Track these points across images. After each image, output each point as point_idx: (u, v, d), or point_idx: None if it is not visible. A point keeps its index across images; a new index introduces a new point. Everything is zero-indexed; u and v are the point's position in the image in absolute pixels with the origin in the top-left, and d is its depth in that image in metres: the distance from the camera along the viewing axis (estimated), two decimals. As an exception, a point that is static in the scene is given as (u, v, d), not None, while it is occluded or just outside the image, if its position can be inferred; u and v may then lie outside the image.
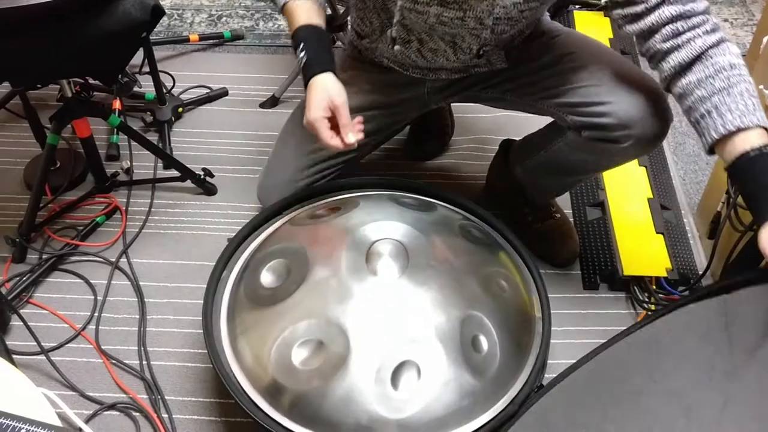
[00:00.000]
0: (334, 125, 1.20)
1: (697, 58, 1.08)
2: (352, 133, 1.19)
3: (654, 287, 1.49)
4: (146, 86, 1.95)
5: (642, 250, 1.55)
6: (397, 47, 1.33)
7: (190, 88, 2.03)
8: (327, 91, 1.19)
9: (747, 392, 0.94)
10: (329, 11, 1.98)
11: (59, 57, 1.32)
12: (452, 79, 1.41)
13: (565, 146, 1.37)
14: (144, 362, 1.40)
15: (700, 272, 1.48)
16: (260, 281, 1.25)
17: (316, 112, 1.18)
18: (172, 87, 2.01)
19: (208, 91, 2.03)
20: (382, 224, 1.25)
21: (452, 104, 1.85)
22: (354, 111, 1.23)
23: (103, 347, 1.42)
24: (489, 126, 1.92)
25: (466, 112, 1.92)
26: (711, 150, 1.07)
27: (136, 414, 1.32)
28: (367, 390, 1.09)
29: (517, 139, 1.60)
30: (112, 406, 1.33)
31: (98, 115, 1.63)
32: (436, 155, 1.86)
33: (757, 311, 1.00)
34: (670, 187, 1.75)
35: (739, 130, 1.02)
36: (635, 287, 1.51)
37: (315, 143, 1.29)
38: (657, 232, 1.58)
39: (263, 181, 1.48)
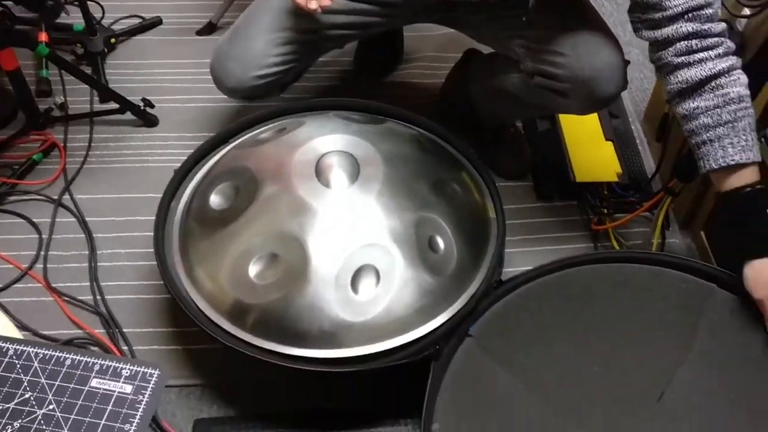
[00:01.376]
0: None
1: (706, 81, 1.09)
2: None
3: (606, 192, 1.52)
4: (74, 17, 1.85)
5: (592, 158, 1.57)
6: None
7: (121, 18, 1.94)
8: None
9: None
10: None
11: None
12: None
13: (518, 82, 1.37)
14: (98, 297, 1.37)
15: (650, 176, 1.52)
16: (209, 205, 1.23)
17: None
18: (102, 17, 1.91)
19: (141, 20, 1.93)
20: (330, 138, 1.24)
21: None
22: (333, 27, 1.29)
23: (53, 285, 1.38)
24: (439, 44, 1.89)
25: (416, 30, 1.88)
26: (705, 173, 1.12)
27: (94, 349, 1.29)
28: (328, 296, 1.09)
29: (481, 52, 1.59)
30: (68, 343, 1.29)
31: (24, 45, 1.53)
32: (386, 74, 1.82)
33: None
34: (619, 98, 1.76)
35: (737, 165, 1.07)
36: (587, 194, 1.53)
37: (287, 22, 1.28)
38: (606, 140, 1.60)
39: (226, 49, 1.35)
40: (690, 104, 1.10)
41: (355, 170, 1.19)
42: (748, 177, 1.08)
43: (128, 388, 0.65)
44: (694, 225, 1.47)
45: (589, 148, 1.59)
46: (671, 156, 1.42)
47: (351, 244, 1.13)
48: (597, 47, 1.23)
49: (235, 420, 1.19)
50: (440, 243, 1.18)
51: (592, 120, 1.64)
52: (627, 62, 1.25)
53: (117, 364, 0.68)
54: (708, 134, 1.09)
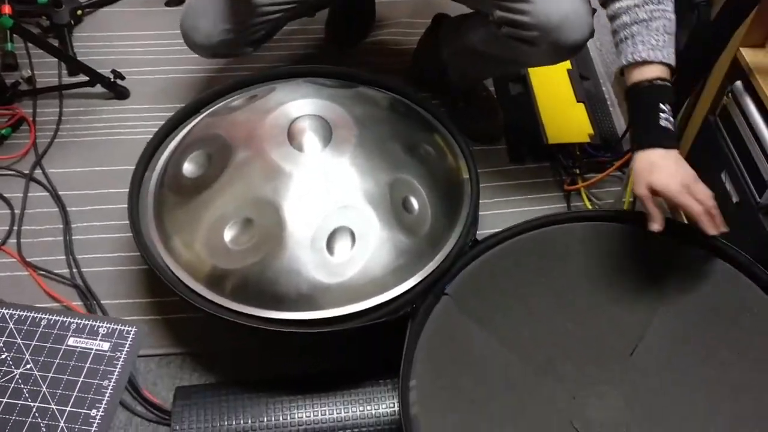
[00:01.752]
0: None
1: None
2: None
3: (578, 153, 1.53)
4: (39, -11, 1.82)
5: (565, 119, 1.58)
6: None
7: (86, -10, 1.91)
8: None
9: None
10: None
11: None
12: None
13: (486, 36, 1.37)
14: (74, 270, 1.36)
15: (620, 135, 1.54)
16: (183, 173, 1.23)
17: None
18: (67, -11, 1.88)
19: (106, -9, 1.91)
20: (301, 102, 1.24)
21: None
22: None
23: (27, 260, 1.37)
24: (411, 10, 1.89)
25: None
26: (622, 72, 1.13)
27: (71, 319, 1.29)
28: (305, 258, 1.10)
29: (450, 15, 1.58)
30: (45, 315, 1.29)
31: (-12, 19, 1.51)
32: (358, 41, 1.82)
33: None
34: (589, 58, 1.77)
35: (645, 62, 1.08)
36: (560, 155, 1.54)
37: None
38: (578, 101, 1.62)
39: (195, 4, 1.36)
40: (615, 5, 1.14)
41: (327, 133, 1.19)
42: (650, 73, 1.09)
43: (106, 346, 0.65)
44: (665, 183, 1.49)
45: (561, 110, 1.60)
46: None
47: (325, 206, 1.14)
48: None
49: (215, 386, 1.20)
50: (414, 204, 1.19)
51: (564, 82, 1.65)
52: (593, 10, 1.26)
53: (94, 323, 0.68)
54: (624, 32, 1.12)
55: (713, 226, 1.05)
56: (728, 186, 1.24)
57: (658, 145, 1.07)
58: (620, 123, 1.64)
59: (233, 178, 1.16)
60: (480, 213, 1.37)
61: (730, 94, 1.21)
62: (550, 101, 1.62)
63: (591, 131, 1.55)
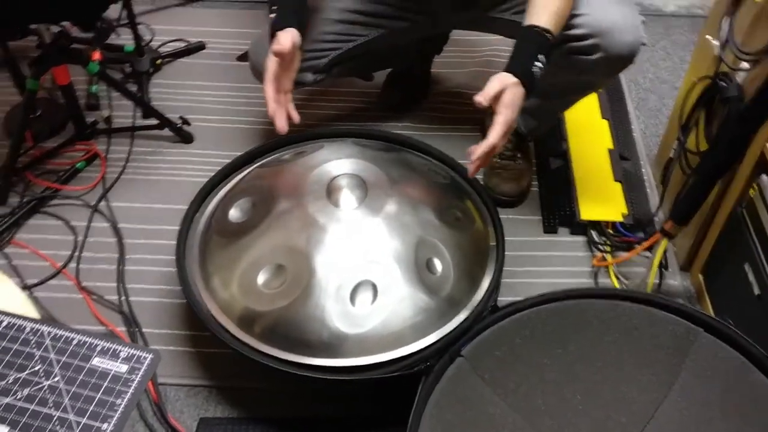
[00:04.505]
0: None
1: None
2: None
3: (611, 231, 1.57)
4: (125, 39, 1.99)
5: (600, 197, 1.63)
6: None
7: (168, 42, 2.07)
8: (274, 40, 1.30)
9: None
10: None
11: (40, 2, 1.36)
12: None
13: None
14: (123, 298, 1.47)
15: (653, 216, 1.57)
16: (228, 218, 1.32)
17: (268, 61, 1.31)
18: (151, 40, 2.05)
19: (186, 44, 2.07)
20: (343, 161, 1.33)
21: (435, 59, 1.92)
22: (362, 13, 1.48)
23: (83, 284, 1.49)
24: (466, 80, 1.98)
25: (442, 68, 1.98)
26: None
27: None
28: (328, 307, 1.17)
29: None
30: (91, 337, 1.39)
31: (77, 62, 1.67)
32: (412, 106, 1.91)
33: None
34: (631, 140, 1.82)
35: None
36: (593, 231, 1.58)
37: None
38: (615, 180, 1.66)
39: (263, 36, 1.47)
40: None
41: (363, 192, 1.28)
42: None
43: (124, 368, 0.73)
44: (694, 268, 1.51)
45: (598, 187, 1.65)
46: (670, 198, 1.47)
47: (353, 260, 1.21)
48: (609, 3, 1.35)
49: (237, 421, 1.27)
50: (438, 265, 1.25)
51: (604, 161, 1.70)
52: (642, 20, 1.36)
53: (117, 347, 0.76)
54: None
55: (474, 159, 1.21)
56: (750, 277, 1.26)
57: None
58: (655, 206, 1.66)
59: (272, 226, 1.26)
60: (507, 280, 1.42)
61: (756, 187, 1.24)
62: (587, 178, 1.67)
63: (625, 211, 1.59)
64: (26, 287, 1.42)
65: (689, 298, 1.48)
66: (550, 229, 1.62)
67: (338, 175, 1.30)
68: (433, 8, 1.54)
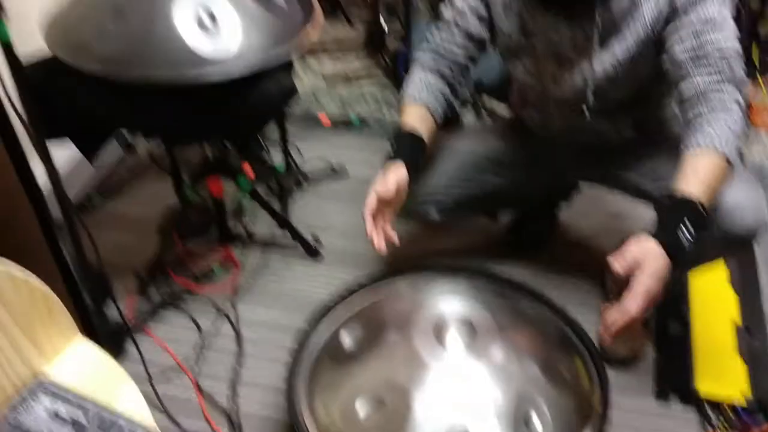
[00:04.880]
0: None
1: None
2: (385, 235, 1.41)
3: (728, 411, 1.48)
4: (277, 157, 2.18)
5: (721, 372, 1.55)
6: (530, 114, 1.53)
7: (314, 163, 2.24)
8: (383, 174, 1.41)
9: None
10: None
11: (207, 122, 1.54)
12: (585, 147, 1.54)
13: None
14: (233, 404, 1.55)
15: (779, 402, 1.47)
16: (339, 341, 1.39)
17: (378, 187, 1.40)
18: (299, 160, 2.23)
19: (331, 167, 2.23)
20: (455, 301, 1.38)
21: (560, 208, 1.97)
22: (502, 163, 1.59)
23: (199, 382, 1.58)
24: (593, 227, 2.00)
25: (569, 214, 2.01)
26: None
27: (213, 447, 1.46)
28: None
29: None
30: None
31: (230, 177, 1.85)
32: (537, 249, 1.94)
33: None
34: (760, 314, 1.74)
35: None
36: (708, 406, 1.50)
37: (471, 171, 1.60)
38: (739, 356, 1.58)
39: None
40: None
41: (471, 336, 1.31)
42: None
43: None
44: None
45: (719, 361, 1.57)
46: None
47: (451, 402, 1.23)
48: (735, 181, 1.31)
49: None
50: (536, 422, 1.23)
51: (728, 333, 1.63)
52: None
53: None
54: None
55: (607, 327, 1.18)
56: None
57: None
58: (783, 389, 1.57)
59: (378, 357, 1.31)
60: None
61: None
62: (708, 349, 1.60)
63: (747, 391, 1.50)
64: (149, 378, 1.53)
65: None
66: (661, 396, 1.55)
67: (448, 314, 1.34)
68: (559, 165, 1.60)
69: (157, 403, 1.52)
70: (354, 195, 2.13)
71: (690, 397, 1.53)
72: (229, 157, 2.05)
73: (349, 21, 3.00)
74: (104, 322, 1.58)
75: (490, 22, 1.49)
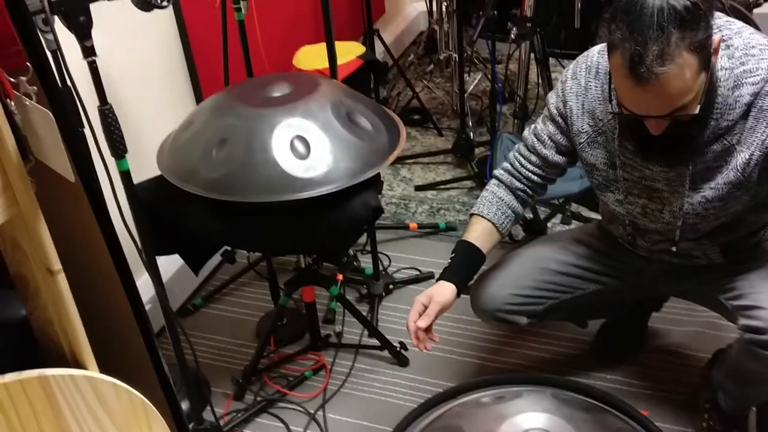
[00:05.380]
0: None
1: None
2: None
3: None
4: (366, 263, 2.27)
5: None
6: (619, 230, 1.57)
7: (402, 269, 2.31)
8: (431, 293, 1.48)
9: None
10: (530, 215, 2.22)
11: (299, 239, 1.65)
12: (673, 264, 1.55)
13: (739, 350, 1.43)
14: None
15: None
16: (425, 453, 1.41)
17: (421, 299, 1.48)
18: (388, 266, 2.31)
19: (418, 273, 2.29)
20: (538, 416, 1.37)
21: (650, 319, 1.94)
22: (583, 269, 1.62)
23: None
24: (683, 339, 1.95)
25: (660, 323, 1.98)
26: None
27: None
28: None
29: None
30: None
31: (322, 285, 1.95)
32: (624, 358, 1.91)
33: None
34: None
35: None
36: None
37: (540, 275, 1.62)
38: None
39: (484, 282, 1.64)
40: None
41: (551, 452, 1.30)
42: None
43: None
44: None
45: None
46: None
47: None
48: None
49: None
50: None
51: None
52: None
53: None
54: None
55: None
56: None
57: None
58: None
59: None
60: None
61: None
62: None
63: None
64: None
65: None
66: None
67: (530, 428, 1.34)
68: (649, 276, 1.59)
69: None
70: (441, 301, 2.18)
71: None
72: (320, 267, 2.16)
73: (438, 130, 3.13)
74: (201, 425, 1.66)
75: (572, 154, 1.53)
